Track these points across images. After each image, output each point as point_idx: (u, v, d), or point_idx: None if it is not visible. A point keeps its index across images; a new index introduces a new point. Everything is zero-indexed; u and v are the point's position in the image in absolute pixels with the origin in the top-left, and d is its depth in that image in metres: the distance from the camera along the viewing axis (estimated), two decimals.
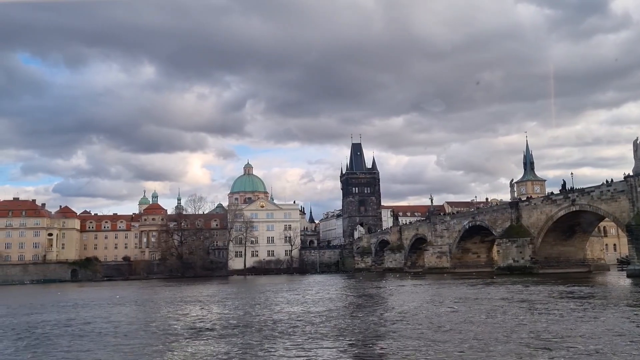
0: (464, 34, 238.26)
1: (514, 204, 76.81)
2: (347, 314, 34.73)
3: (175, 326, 31.05)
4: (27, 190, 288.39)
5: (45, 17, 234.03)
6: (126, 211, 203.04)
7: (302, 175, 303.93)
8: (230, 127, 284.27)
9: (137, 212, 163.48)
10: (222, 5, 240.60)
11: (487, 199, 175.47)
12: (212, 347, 23.37)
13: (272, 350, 22.04)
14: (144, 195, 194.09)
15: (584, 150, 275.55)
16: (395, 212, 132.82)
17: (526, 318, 29.20)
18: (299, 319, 32.11)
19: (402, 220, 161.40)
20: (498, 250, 77.78)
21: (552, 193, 71.27)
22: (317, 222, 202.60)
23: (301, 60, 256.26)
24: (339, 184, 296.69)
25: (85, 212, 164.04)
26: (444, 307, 37.00)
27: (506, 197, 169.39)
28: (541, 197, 74.00)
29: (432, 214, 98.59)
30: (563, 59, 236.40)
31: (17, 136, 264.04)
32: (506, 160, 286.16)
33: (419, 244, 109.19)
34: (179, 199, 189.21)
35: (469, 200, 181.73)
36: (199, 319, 34.83)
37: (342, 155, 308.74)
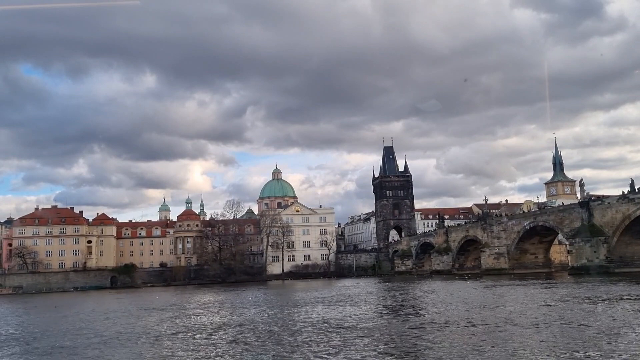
0: (462, 39, 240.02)
1: (585, 204, 76.69)
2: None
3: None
4: (28, 200, 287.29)
5: (47, 28, 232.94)
6: (127, 218, 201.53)
7: (303, 181, 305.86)
8: (230, 134, 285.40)
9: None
10: (222, 14, 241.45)
11: (506, 200, 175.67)
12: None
13: None
14: (164, 202, 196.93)
15: (583, 152, 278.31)
16: (441, 215, 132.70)
17: None
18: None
19: (428, 222, 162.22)
20: (570, 250, 77.56)
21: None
22: (342, 225, 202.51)
23: (301, 67, 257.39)
24: (339, 189, 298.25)
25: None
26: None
27: (509, 199, 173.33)
28: (616, 196, 73.98)
29: (486, 215, 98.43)
30: (560, 62, 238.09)
31: (19, 146, 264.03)
32: (506, 163, 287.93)
33: (467, 245, 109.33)
34: (201, 205, 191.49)
35: (496, 202, 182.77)
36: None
37: (342, 160, 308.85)
